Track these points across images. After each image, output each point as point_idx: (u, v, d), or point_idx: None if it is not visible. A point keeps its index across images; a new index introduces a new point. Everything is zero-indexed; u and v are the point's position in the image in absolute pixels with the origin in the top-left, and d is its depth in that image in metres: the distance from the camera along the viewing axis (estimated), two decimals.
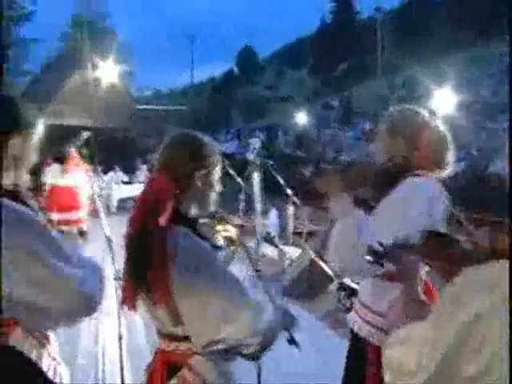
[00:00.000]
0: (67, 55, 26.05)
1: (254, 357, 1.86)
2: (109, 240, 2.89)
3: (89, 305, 1.79)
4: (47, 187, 9.17)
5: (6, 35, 27.55)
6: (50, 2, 31.67)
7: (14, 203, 1.76)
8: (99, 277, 1.91)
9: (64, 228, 9.38)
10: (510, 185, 2.12)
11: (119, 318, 3.18)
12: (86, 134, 3.09)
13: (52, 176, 9.03)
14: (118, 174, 18.48)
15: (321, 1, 42.33)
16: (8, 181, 1.82)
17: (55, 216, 9.32)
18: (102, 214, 2.92)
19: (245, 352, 1.82)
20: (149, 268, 1.72)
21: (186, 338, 1.77)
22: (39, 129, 1.93)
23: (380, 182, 2.41)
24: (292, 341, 2.04)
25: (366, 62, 35.74)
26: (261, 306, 1.82)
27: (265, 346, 1.83)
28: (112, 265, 3.01)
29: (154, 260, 1.70)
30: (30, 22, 28.33)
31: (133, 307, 1.85)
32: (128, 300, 1.85)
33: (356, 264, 2.18)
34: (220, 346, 1.76)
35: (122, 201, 16.47)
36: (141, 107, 27.73)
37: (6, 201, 1.75)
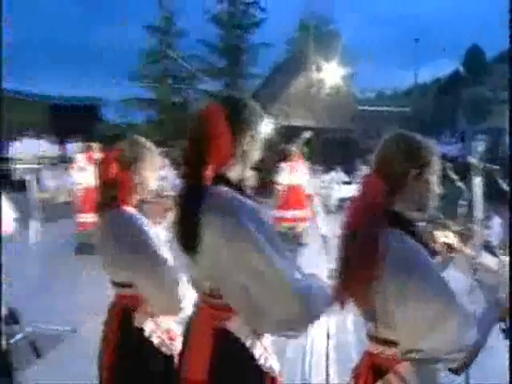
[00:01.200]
0: (294, 58, 27.02)
1: (458, 371, 1.76)
2: (324, 239, 2.94)
3: (306, 312, 1.82)
4: (280, 186, 9.66)
5: (240, 42, 29.48)
6: (279, 8, 33.09)
7: (238, 194, 1.90)
8: (324, 293, 1.91)
9: (289, 225, 9.81)
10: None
11: (329, 316, 3.21)
12: (307, 134, 3.17)
13: (283, 175, 9.47)
14: (339, 175, 18.71)
15: None
16: (234, 174, 1.97)
17: (282, 213, 9.78)
18: (320, 213, 2.98)
19: (448, 366, 1.74)
20: (356, 268, 1.72)
21: (395, 343, 1.74)
22: (266, 128, 2.05)
23: None
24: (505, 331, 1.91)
25: None
26: (469, 319, 1.72)
27: (469, 361, 1.73)
28: (327, 264, 3.05)
29: (362, 260, 1.70)
30: (260, 28, 29.96)
31: (342, 307, 1.86)
32: (338, 299, 1.87)
33: None
34: (421, 356, 1.70)
35: (341, 200, 16.69)
36: (363, 108, 27.71)
37: (231, 191, 1.89)
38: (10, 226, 5.00)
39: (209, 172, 1.86)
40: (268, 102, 21.86)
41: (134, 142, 2.64)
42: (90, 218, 9.37)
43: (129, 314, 2.47)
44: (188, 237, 1.87)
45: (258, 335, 1.97)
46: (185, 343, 2.12)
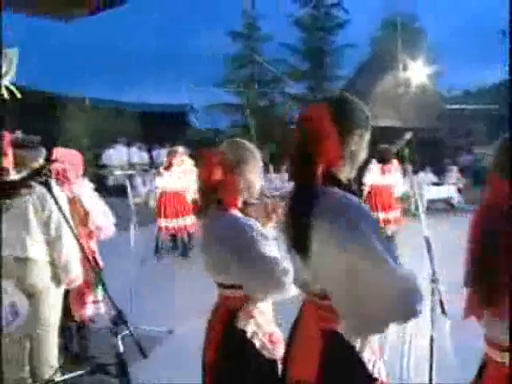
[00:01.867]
0: (377, 58, 26.56)
1: None
2: (427, 240, 2.89)
3: (412, 312, 1.79)
4: (367, 187, 9.56)
5: (323, 44, 29.30)
6: (360, 8, 32.61)
7: (350, 195, 1.89)
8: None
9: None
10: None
11: (432, 321, 3.14)
12: (408, 135, 3.10)
13: (371, 176, 9.37)
14: (428, 175, 18.28)
15: None
16: (343, 175, 1.97)
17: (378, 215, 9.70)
18: (423, 215, 2.93)
19: None
20: (498, 277, 1.66)
21: None
22: (369, 128, 2.04)
23: None
24: None
25: None
26: None
27: None
28: (430, 265, 2.99)
29: (506, 268, 1.64)
30: (344, 29, 29.65)
31: (477, 317, 1.81)
32: (472, 309, 1.82)
33: None
34: None
35: (431, 202, 16.31)
36: (450, 107, 26.90)
37: (341, 191, 1.88)
38: (110, 230, 5.23)
39: (319, 173, 1.86)
40: None
41: (236, 145, 2.67)
42: (165, 222, 9.82)
43: (233, 315, 2.51)
44: (299, 238, 1.88)
45: (366, 338, 1.95)
46: (291, 344, 2.14)
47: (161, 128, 22.18)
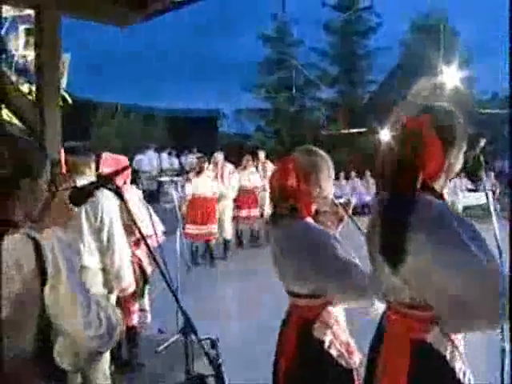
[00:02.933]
0: (410, 62, 26.37)
1: None
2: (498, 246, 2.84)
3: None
4: None
5: (357, 48, 29.15)
6: (391, 11, 32.43)
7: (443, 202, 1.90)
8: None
9: None
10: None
11: (503, 329, 3.05)
12: (482, 142, 3.02)
13: None
14: (463, 181, 18.09)
15: None
16: (438, 186, 1.95)
17: None
18: (496, 223, 2.89)
19: None
20: None
21: None
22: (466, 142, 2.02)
23: None
24: None
25: None
26: None
27: None
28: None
29: None
30: (376, 34, 29.48)
31: None
32: None
33: None
34: None
35: (466, 208, 16.12)
36: (482, 111, 26.61)
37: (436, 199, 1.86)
38: (158, 238, 5.23)
39: (419, 183, 1.84)
40: (386, 108, 21.37)
41: (310, 152, 2.61)
42: (191, 229, 9.81)
43: (307, 324, 2.47)
44: (393, 246, 1.85)
45: (456, 347, 1.90)
46: (375, 354, 2.09)
47: (190, 133, 22.32)
